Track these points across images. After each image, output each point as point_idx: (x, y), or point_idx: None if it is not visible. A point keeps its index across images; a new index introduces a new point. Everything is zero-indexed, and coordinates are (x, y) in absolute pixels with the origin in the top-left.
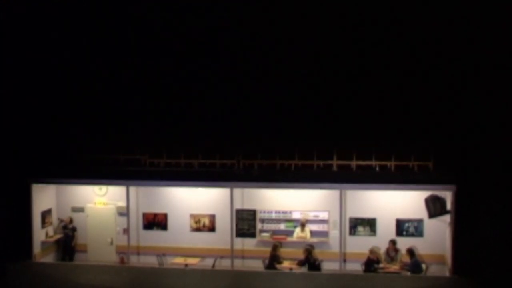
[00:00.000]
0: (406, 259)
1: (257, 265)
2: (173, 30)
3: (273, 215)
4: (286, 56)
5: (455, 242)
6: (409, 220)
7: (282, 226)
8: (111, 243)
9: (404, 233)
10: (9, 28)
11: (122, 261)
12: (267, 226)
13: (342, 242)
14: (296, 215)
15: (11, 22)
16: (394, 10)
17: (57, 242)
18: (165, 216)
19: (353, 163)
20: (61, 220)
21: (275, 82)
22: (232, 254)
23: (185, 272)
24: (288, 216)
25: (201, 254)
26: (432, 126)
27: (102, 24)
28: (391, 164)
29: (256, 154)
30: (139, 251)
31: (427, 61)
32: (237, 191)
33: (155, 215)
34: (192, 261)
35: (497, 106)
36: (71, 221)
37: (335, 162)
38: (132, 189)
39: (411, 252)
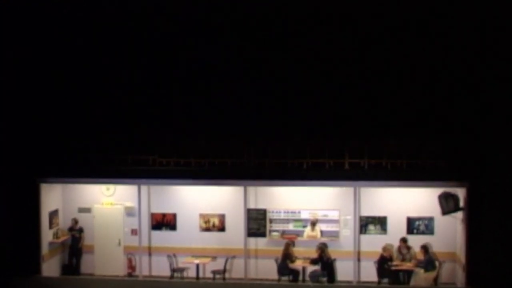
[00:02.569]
0: (420, 256)
1: (270, 265)
2: (181, 27)
3: (282, 215)
4: (297, 54)
5: (469, 241)
6: (419, 218)
7: (290, 226)
8: (119, 244)
9: (415, 231)
10: (17, 26)
11: (130, 262)
12: (276, 226)
13: (356, 240)
14: (304, 215)
15: (23, 18)
16: (407, 5)
17: (62, 243)
18: (174, 216)
19: (365, 161)
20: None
21: (286, 80)
22: (245, 254)
23: (199, 285)
24: (296, 216)
25: (212, 254)
26: (444, 123)
27: (109, 22)
28: (403, 162)
29: (267, 152)
30: (148, 251)
31: (438, 58)
32: (248, 191)
33: (164, 215)
34: (203, 260)
35: (510, 102)
36: (76, 222)
37: (346, 161)
38: (141, 189)
39: (425, 248)
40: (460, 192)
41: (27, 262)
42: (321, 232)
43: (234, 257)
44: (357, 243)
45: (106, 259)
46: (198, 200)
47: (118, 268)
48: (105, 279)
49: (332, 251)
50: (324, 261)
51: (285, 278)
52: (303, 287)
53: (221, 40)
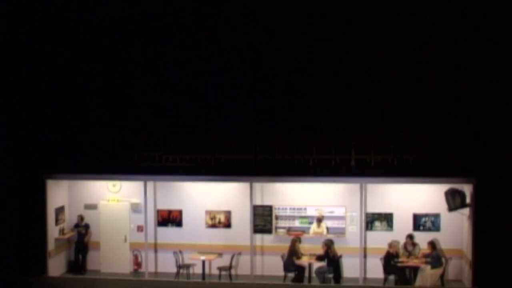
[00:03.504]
0: (426, 252)
1: (276, 261)
2: (186, 23)
3: (288, 212)
4: (302, 51)
5: (475, 238)
6: (426, 215)
7: (296, 223)
8: (125, 240)
9: (421, 227)
10: (24, 24)
11: (136, 258)
12: (282, 222)
13: (362, 237)
14: (310, 212)
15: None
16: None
17: (68, 240)
18: (180, 212)
19: (371, 158)
20: (81, 218)
21: (292, 76)
22: (252, 250)
23: (204, 285)
24: (302, 213)
25: (218, 250)
26: (451, 118)
27: (114, 18)
28: (409, 158)
29: (273, 149)
30: (154, 248)
31: (445, 52)
32: (254, 187)
33: (170, 212)
34: (209, 257)
35: None
36: (82, 219)
37: (353, 157)
38: (147, 185)
39: (432, 245)
40: (467, 189)
41: (33, 258)
42: (327, 228)
43: (240, 253)
44: (363, 239)
45: (112, 256)
46: (204, 197)
47: (124, 265)
48: (111, 279)
49: (338, 248)
50: (331, 258)
51: (291, 274)
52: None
53: (227, 36)
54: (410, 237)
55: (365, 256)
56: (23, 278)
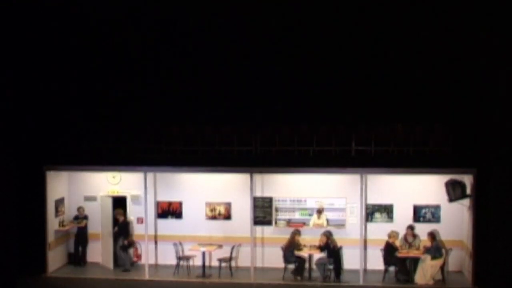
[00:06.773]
0: (427, 243)
1: (276, 253)
2: (186, 13)
3: (288, 203)
4: (302, 42)
5: (476, 228)
6: (426, 206)
7: (297, 215)
8: (110, 235)
9: (421, 219)
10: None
11: (136, 250)
12: (282, 214)
13: (362, 228)
14: (310, 203)
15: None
16: None
17: (68, 232)
18: (180, 204)
19: (372, 149)
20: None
21: (292, 67)
22: (252, 242)
23: (205, 286)
24: (302, 205)
25: (218, 242)
26: (451, 109)
27: (112, 13)
28: (409, 149)
29: (273, 140)
30: (154, 240)
31: (446, 44)
32: (254, 179)
33: (170, 203)
34: (209, 248)
35: None
36: (82, 210)
37: (353, 148)
38: (147, 177)
39: (432, 235)
40: (467, 179)
41: (33, 250)
42: (327, 220)
43: (240, 245)
44: (364, 231)
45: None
46: (204, 188)
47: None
48: (111, 279)
49: (338, 239)
50: (331, 249)
51: (291, 265)
52: (310, 287)
53: (227, 26)
54: (410, 228)
55: (365, 248)
56: (23, 278)
